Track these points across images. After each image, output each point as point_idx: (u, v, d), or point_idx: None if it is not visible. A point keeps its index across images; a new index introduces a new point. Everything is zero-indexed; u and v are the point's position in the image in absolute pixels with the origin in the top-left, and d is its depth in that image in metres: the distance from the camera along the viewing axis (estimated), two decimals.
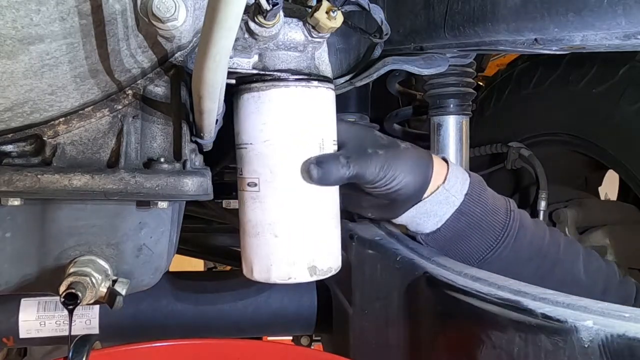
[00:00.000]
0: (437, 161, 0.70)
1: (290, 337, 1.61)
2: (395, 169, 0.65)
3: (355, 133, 0.68)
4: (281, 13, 0.56)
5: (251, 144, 0.61)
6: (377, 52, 0.76)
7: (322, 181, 0.61)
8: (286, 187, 0.61)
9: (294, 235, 0.61)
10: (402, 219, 0.72)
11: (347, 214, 0.81)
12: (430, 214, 0.69)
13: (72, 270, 0.58)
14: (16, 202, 0.57)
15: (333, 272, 0.64)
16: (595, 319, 0.47)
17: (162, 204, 0.60)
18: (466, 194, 0.69)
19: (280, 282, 0.62)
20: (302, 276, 0.62)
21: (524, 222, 0.72)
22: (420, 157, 0.69)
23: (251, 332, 0.95)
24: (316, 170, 0.60)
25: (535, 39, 0.68)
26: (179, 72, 0.60)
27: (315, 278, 0.63)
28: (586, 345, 0.46)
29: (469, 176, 0.71)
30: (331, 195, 0.64)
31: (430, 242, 0.72)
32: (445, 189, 0.68)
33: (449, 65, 0.87)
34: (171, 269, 0.74)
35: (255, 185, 0.61)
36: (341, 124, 0.67)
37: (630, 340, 0.45)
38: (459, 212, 0.69)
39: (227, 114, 0.64)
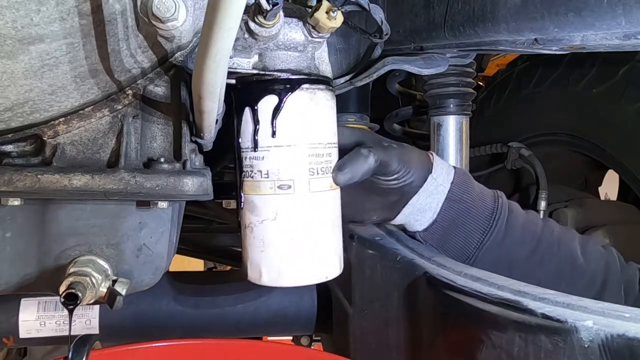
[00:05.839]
0: None
1: (290, 337, 1.61)
2: (410, 161, 0.69)
3: (369, 133, 0.72)
4: (281, 13, 0.56)
5: (252, 146, 0.61)
6: (377, 52, 0.76)
7: (352, 179, 0.63)
8: (289, 190, 0.61)
9: (293, 239, 0.61)
10: (399, 219, 0.73)
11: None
12: (424, 208, 0.71)
13: (72, 270, 0.58)
14: (16, 202, 0.57)
15: (334, 276, 0.64)
16: (595, 319, 0.47)
17: (162, 204, 0.60)
18: (452, 182, 0.72)
19: (285, 285, 0.62)
20: (303, 280, 0.62)
21: (514, 208, 0.75)
22: (420, 152, 0.73)
23: (251, 332, 0.95)
24: (342, 174, 0.62)
25: (535, 39, 0.68)
26: (179, 72, 0.60)
27: (311, 283, 0.63)
28: (586, 345, 0.46)
29: (454, 168, 0.75)
30: (332, 200, 0.64)
31: (429, 237, 0.74)
32: (433, 178, 0.71)
33: (449, 65, 0.87)
34: (171, 269, 0.74)
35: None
36: (353, 129, 0.71)
37: (630, 340, 0.45)
38: (449, 200, 0.71)
39: (228, 114, 0.64)
